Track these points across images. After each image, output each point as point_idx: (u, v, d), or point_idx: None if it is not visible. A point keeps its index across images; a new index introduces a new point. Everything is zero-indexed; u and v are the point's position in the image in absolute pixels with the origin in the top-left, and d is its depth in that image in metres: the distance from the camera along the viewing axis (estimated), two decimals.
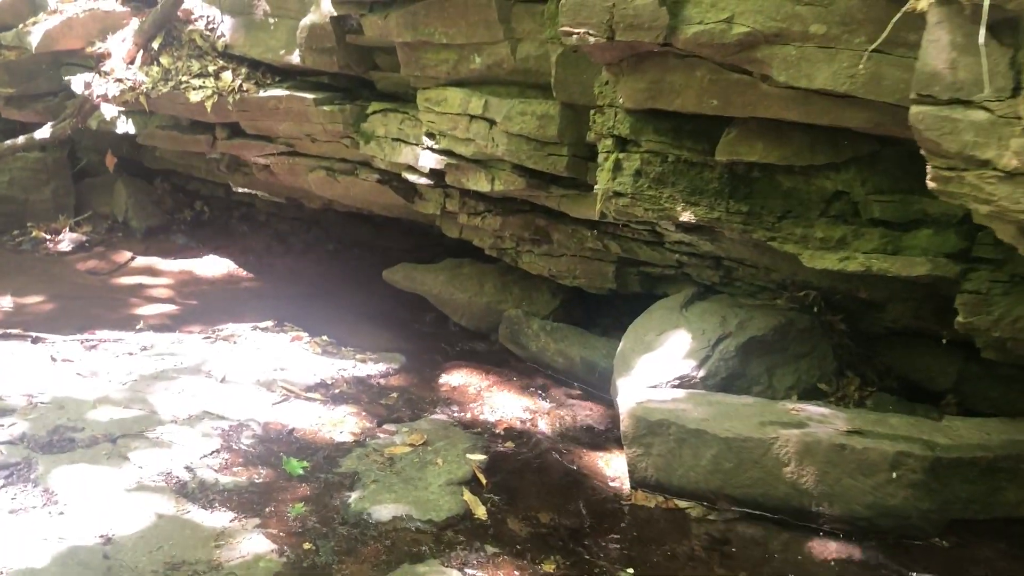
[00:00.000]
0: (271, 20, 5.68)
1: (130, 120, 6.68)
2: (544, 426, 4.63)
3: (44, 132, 6.74)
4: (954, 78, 2.59)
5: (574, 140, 4.48)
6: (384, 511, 3.59)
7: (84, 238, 7.49)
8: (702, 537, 3.61)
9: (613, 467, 4.19)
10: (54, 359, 4.88)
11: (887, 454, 3.51)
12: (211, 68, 5.87)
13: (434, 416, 4.65)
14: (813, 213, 3.81)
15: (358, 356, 5.39)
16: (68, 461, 3.71)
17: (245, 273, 7.26)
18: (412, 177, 5.42)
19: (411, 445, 4.19)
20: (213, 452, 3.96)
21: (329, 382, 4.91)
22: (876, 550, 3.49)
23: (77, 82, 6.35)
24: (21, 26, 6.59)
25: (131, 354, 5.07)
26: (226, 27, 5.93)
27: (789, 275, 4.45)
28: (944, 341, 4.01)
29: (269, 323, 5.91)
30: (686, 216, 4.04)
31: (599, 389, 5.06)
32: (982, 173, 2.60)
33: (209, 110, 5.87)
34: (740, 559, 3.46)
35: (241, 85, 5.78)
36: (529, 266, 5.63)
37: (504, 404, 4.87)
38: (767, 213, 3.89)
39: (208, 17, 6.01)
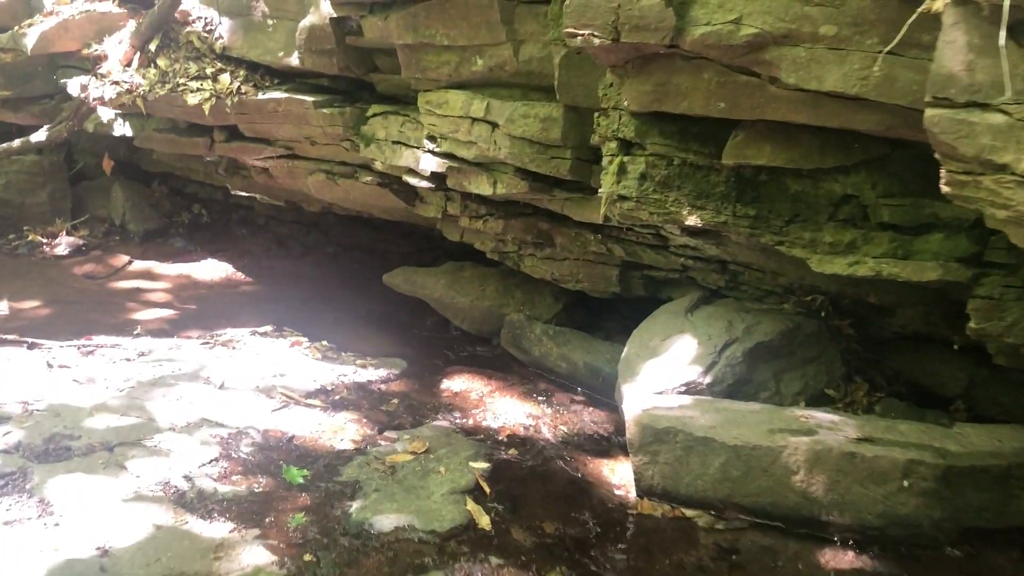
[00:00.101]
0: (270, 21, 5.62)
1: (127, 123, 6.61)
2: (547, 432, 4.56)
3: (40, 135, 6.67)
4: (971, 80, 2.53)
5: (577, 143, 4.42)
6: (386, 521, 3.52)
7: (81, 242, 7.43)
8: (710, 547, 3.55)
9: (618, 474, 4.13)
10: (50, 365, 4.81)
11: (898, 462, 3.45)
12: (209, 70, 5.81)
13: (436, 422, 4.58)
14: (822, 217, 3.76)
15: (358, 361, 5.33)
16: (64, 470, 3.64)
17: (244, 277, 7.20)
18: (413, 180, 5.36)
19: (413, 453, 4.12)
20: (212, 460, 3.89)
21: (329, 388, 4.85)
22: (887, 560, 3.42)
23: (73, 85, 6.29)
24: (17, 28, 6.53)
25: (129, 360, 5.01)
26: (224, 29, 5.87)
27: (796, 279, 4.40)
28: (956, 347, 3.94)
29: (268, 328, 5.84)
30: (692, 220, 3.98)
31: (603, 394, 5.00)
32: (999, 178, 2.55)
33: (207, 113, 5.81)
34: (749, 569, 3.40)
35: (239, 87, 5.72)
36: (531, 270, 5.57)
37: (507, 410, 4.81)
38: (775, 217, 3.83)
39: (206, 18, 5.95)
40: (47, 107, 7.07)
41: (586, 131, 4.35)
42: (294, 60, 5.49)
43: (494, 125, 4.60)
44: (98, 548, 3.14)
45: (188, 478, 3.71)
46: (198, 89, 5.75)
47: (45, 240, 7.36)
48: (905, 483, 3.43)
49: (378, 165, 5.58)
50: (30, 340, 5.19)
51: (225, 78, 5.79)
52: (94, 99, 6.11)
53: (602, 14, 3.51)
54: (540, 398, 5.02)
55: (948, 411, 4.28)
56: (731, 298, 4.77)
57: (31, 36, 6.35)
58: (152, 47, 5.98)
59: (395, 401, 4.82)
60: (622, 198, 4.12)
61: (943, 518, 3.44)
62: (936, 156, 2.77)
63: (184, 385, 4.62)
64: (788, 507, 3.58)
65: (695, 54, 3.47)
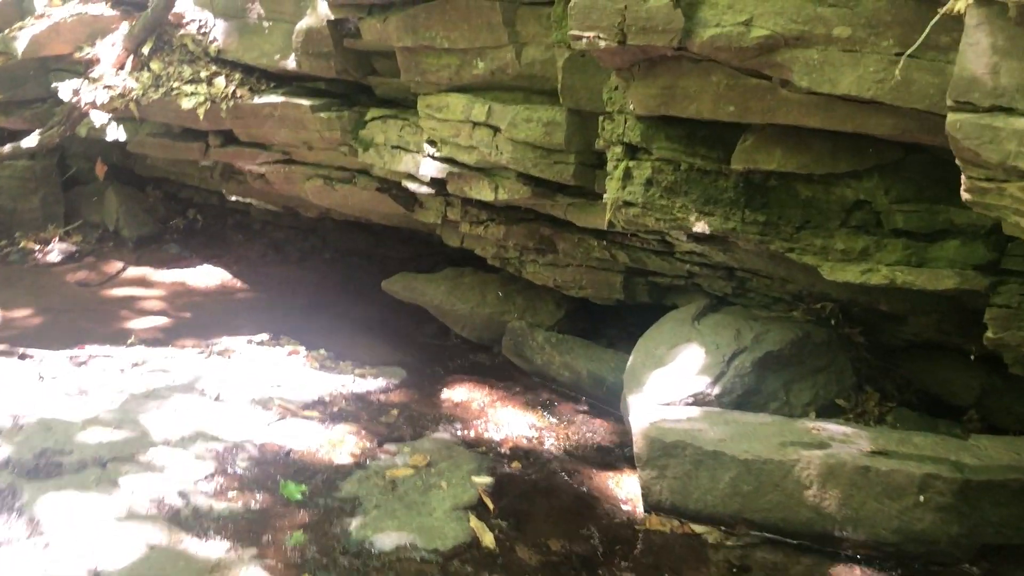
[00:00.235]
0: (265, 24, 5.53)
1: (120, 127, 6.50)
2: (551, 444, 4.46)
3: (31, 140, 6.56)
4: (995, 84, 2.43)
5: (581, 148, 4.34)
6: (387, 540, 3.41)
7: (74, 248, 7.32)
8: (720, 564, 3.45)
9: (625, 488, 4.03)
10: (42, 377, 4.69)
11: (914, 476, 3.35)
12: (203, 74, 5.71)
13: (437, 434, 4.47)
14: (833, 223, 3.66)
15: (357, 371, 5.22)
16: (55, 488, 3.53)
17: (240, 283, 7.09)
18: (412, 186, 5.26)
19: (414, 467, 4.01)
20: (207, 476, 3.79)
21: (327, 399, 4.74)
22: None
23: (65, 89, 6.18)
24: (7, 31, 6.42)
25: (122, 371, 4.89)
26: (219, 31, 5.77)
27: (806, 286, 4.30)
28: (972, 357, 3.84)
29: (265, 336, 5.73)
30: (700, 227, 3.89)
31: (607, 404, 4.90)
32: None
33: (201, 117, 5.71)
34: None
35: (235, 91, 5.63)
36: (533, 276, 5.47)
37: (509, 421, 4.71)
38: (785, 223, 3.74)
39: (200, 21, 5.86)
40: (39, 111, 6.97)
41: (590, 135, 4.26)
42: (291, 63, 5.40)
43: (496, 129, 4.51)
44: (89, 571, 3.03)
45: (183, 495, 3.60)
46: (192, 93, 5.65)
47: (37, 247, 7.25)
48: (921, 498, 3.34)
49: (377, 170, 5.49)
50: (21, 350, 5.08)
51: (220, 82, 5.69)
52: (86, 103, 6.01)
53: (608, 16, 3.41)
54: (543, 408, 4.91)
55: (961, 421, 4.20)
56: (738, 305, 4.68)
57: (22, 39, 6.25)
58: (145, 50, 5.88)
59: (395, 412, 4.71)
60: (627, 204, 4.02)
61: (960, 534, 3.34)
62: (957, 162, 2.68)
63: (179, 397, 4.51)
64: (800, 523, 3.48)
65: (703, 56, 3.38)
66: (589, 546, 3.55)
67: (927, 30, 2.63)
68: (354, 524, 3.52)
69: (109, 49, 6.03)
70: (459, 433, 4.53)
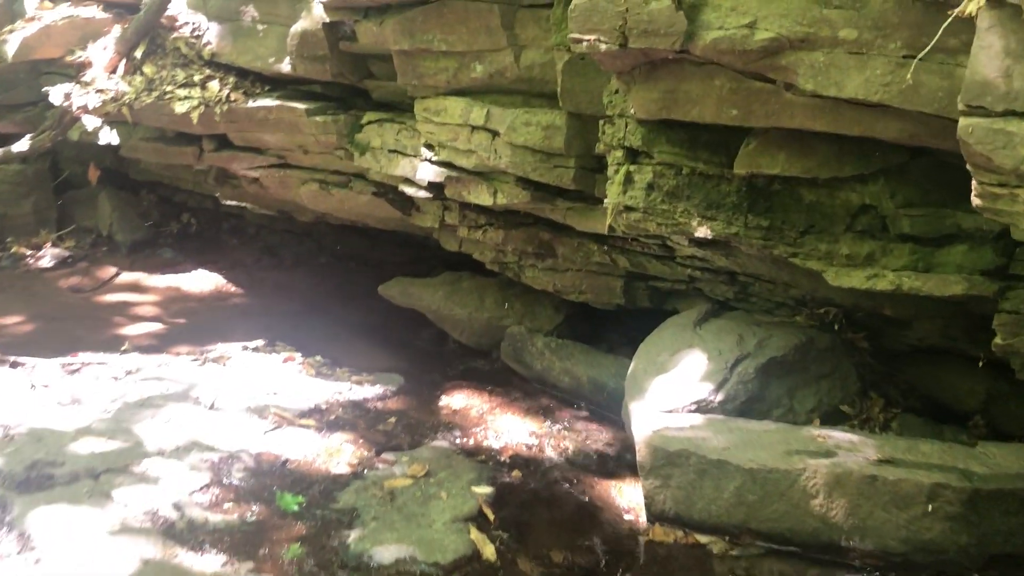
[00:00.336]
0: (260, 27, 5.47)
1: (113, 131, 6.42)
2: (552, 452, 4.40)
3: (22, 145, 6.48)
4: (1008, 88, 2.38)
5: (581, 152, 4.28)
6: (386, 553, 3.35)
7: (67, 253, 7.22)
8: (726, 575, 3.40)
9: (627, 497, 3.97)
10: (33, 386, 4.62)
11: (923, 485, 3.30)
12: (197, 77, 5.64)
13: (435, 443, 4.41)
14: (838, 228, 3.61)
15: (354, 378, 5.15)
16: (46, 501, 3.46)
17: (234, 288, 7.00)
18: (409, 190, 5.20)
19: (412, 477, 3.95)
20: (202, 487, 3.72)
21: (324, 407, 4.67)
22: None
23: (56, 93, 6.09)
24: None
25: (116, 379, 4.82)
26: (212, 34, 5.71)
27: (809, 291, 4.25)
28: (981, 364, 3.79)
29: (260, 342, 5.65)
30: (702, 231, 3.83)
31: (607, 410, 4.83)
32: None
33: (195, 121, 5.64)
34: None
35: (229, 95, 5.56)
36: (532, 281, 5.41)
37: (509, 428, 4.64)
38: (789, 228, 3.69)
39: (193, 24, 5.80)
40: (30, 115, 6.88)
41: (590, 139, 4.21)
42: (285, 66, 5.34)
43: (494, 133, 4.45)
44: None
45: (178, 507, 3.53)
46: (186, 97, 5.58)
47: (29, 252, 7.16)
48: (930, 507, 3.29)
49: (373, 174, 5.43)
50: (12, 358, 4.99)
51: (214, 85, 5.62)
52: (78, 108, 5.92)
53: (609, 19, 3.36)
54: (543, 415, 4.85)
55: (966, 427, 4.16)
56: (740, 310, 4.62)
57: (12, 42, 6.17)
58: (138, 54, 5.81)
59: (392, 420, 4.64)
60: (629, 209, 3.96)
61: (970, 544, 3.29)
62: (968, 167, 2.63)
63: (173, 406, 4.43)
64: (807, 533, 3.43)
65: (706, 60, 3.33)
66: (592, 557, 3.50)
67: (939, 33, 2.57)
68: (352, 536, 3.46)
69: (101, 52, 5.96)
70: (458, 441, 4.46)
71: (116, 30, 6.02)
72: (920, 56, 2.70)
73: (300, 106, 5.37)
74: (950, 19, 2.52)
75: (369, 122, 5.29)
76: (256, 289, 6.98)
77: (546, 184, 4.46)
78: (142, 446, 3.98)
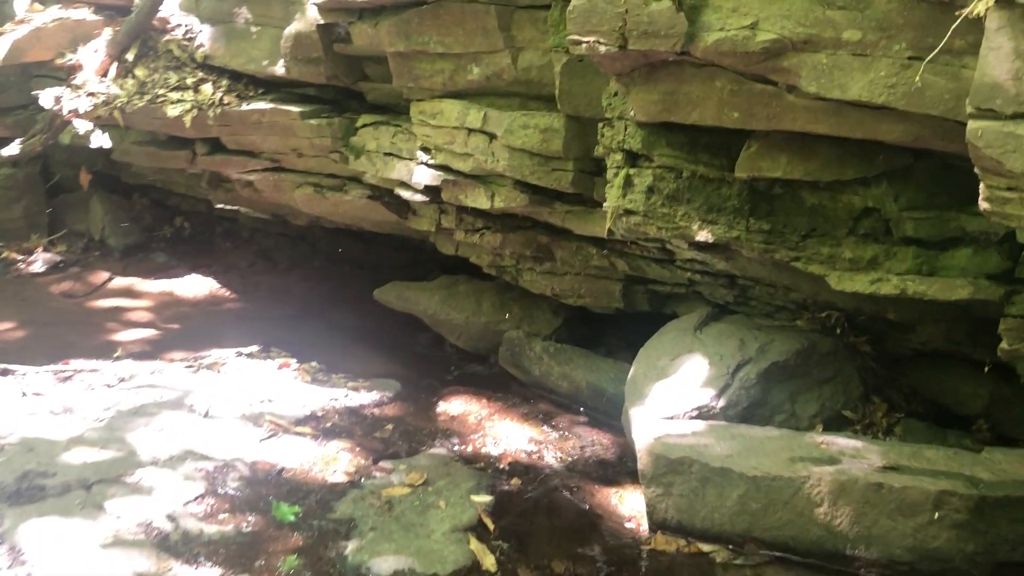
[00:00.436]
0: (253, 29, 5.41)
1: (105, 135, 6.34)
2: (551, 459, 4.35)
3: (12, 149, 6.41)
4: (1019, 90, 2.34)
5: (580, 154, 4.24)
6: (384, 564, 3.30)
7: (58, 258, 7.15)
8: None
9: (628, 505, 3.92)
10: (24, 394, 4.55)
11: (929, 493, 3.25)
12: (190, 80, 5.57)
13: (433, 450, 4.35)
14: (841, 231, 3.57)
15: (350, 384, 5.09)
16: (37, 513, 3.39)
17: (228, 293, 6.93)
18: (405, 193, 5.15)
19: (410, 485, 3.89)
20: (197, 498, 3.65)
21: (320, 414, 4.60)
22: None
23: (46, 96, 6.03)
24: None
25: (108, 386, 4.75)
26: (205, 36, 5.64)
27: (810, 295, 4.20)
28: (987, 369, 3.75)
29: (255, 348, 5.58)
30: (703, 235, 3.79)
31: (607, 415, 4.78)
32: None
33: (188, 125, 5.57)
34: None
35: (222, 98, 5.49)
36: (530, 285, 5.36)
37: (507, 434, 4.59)
38: (790, 232, 3.64)
39: (186, 26, 5.73)
40: (21, 118, 6.82)
41: (589, 142, 4.16)
42: (279, 69, 5.28)
43: (492, 136, 4.40)
44: None
45: (172, 518, 3.47)
46: (178, 100, 5.51)
47: (20, 257, 7.07)
48: (936, 515, 3.24)
49: (368, 178, 5.36)
50: (3, 366, 4.93)
51: (207, 88, 5.56)
52: (68, 111, 5.85)
53: (608, 20, 3.31)
54: (542, 421, 4.79)
55: (970, 431, 4.12)
56: (741, 314, 4.57)
57: (2, 45, 6.09)
58: (129, 56, 5.74)
59: (389, 427, 4.58)
60: (628, 212, 3.92)
61: (977, 552, 3.24)
62: (976, 171, 2.58)
63: (167, 414, 4.36)
64: (811, 541, 3.38)
65: (707, 61, 3.29)
66: (593, 567, 3.45)
67: (948, 35, 2.53)
68: (350, 547, 3.40)
69: (92, 55, 5.89)
70: (456, 448, 4.41)
71: (107, 32, 5.94)
72: (928, 58, 2.65)
73: (294, 109, 5.31)
74: (959, 20, 2.47)
75: (364, 125, 5.23)
76: (250, 293, 6.91)
77: (544, 187, 4.41)
78: (135, 455, 3.92)
